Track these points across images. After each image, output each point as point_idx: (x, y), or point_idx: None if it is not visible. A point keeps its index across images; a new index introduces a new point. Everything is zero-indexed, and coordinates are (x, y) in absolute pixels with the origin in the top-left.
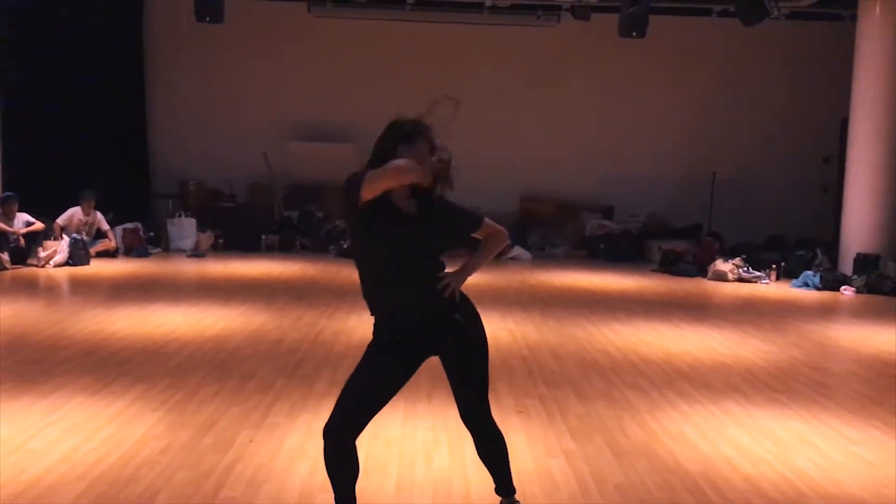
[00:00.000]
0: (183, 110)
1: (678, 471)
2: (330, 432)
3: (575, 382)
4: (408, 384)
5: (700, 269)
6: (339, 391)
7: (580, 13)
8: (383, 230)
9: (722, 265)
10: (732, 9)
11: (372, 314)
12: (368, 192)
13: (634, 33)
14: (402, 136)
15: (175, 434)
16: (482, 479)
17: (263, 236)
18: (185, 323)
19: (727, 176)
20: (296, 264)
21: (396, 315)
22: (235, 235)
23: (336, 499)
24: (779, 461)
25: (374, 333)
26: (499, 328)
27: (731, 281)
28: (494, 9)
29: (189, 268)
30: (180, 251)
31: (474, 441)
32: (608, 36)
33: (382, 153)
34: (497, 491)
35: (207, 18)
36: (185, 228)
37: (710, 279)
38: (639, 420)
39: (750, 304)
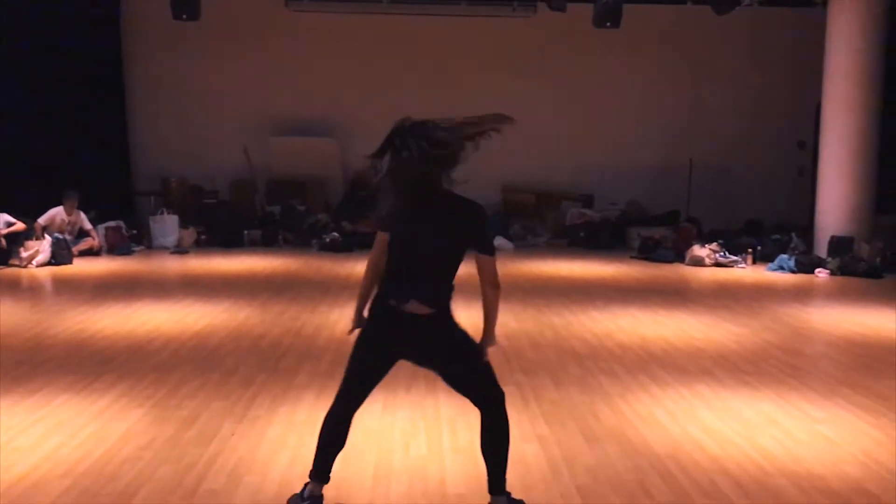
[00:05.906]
0: (163, 108)
1: (647, 453)
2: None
3: (551, 370)
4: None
5: (678, 254)
6: (319, 384)
7: (556, 4)
8: None
9: (699, 250)
10: None
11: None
12: None
13: (608, 24)
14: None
15: (158, 429)
16: (457, 466)
17: (246, 231)
18: (169, 320)
19: (704, 162)
20: (278, 259)
21: None
22: (218, 231)
23: (319, 465)
24: (745, 441)
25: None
26: (478, 319)
27: (708, 266)
28: None
29: (172, 265)
30: (163, 248)
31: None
32: (585, 26)
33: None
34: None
35: (184, 16)
36: (167, 225)
37: (687, 265)
38: (611, 404)
39: (726, 289)
